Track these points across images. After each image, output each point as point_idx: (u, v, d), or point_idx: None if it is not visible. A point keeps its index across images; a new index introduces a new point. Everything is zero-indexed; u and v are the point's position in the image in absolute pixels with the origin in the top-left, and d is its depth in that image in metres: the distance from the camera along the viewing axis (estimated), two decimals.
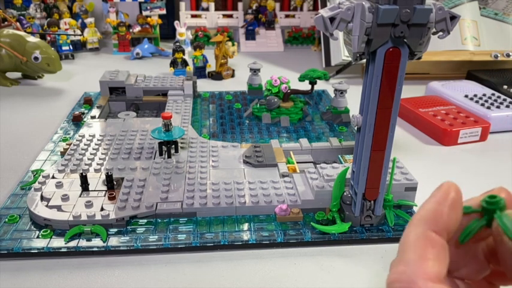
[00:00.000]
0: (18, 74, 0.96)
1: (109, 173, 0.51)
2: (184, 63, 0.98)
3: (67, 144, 0.61)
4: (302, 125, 0.72)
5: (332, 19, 0.37)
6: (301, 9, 1.31)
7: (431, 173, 0.60)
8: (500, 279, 0.25)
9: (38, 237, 0.44)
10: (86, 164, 0.55)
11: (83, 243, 0.43)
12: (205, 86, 0.93)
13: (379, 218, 0.46)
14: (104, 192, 0.50)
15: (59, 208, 0.47)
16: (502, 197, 0.21)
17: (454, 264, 0.23)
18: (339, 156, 0.59)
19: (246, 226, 0.46)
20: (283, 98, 0.73)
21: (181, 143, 0.61)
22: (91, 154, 0.58)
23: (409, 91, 0.86)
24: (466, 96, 0.79)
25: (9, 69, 0.90)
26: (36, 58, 0.86)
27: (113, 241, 0.44)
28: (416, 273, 0.20)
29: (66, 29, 1.16)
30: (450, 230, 0.22)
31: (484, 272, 0.24)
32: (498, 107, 0.74)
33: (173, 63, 0.97)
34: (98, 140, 0.62)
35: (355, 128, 0.43)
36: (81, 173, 0.50)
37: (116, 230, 0.45)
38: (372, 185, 0.43)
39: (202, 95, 0.85)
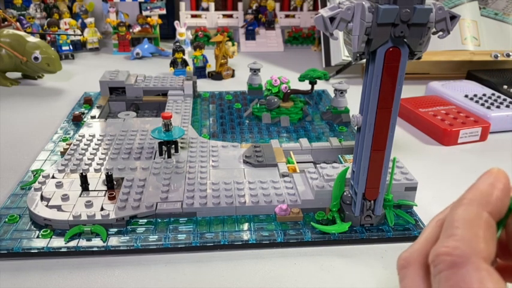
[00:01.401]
0: (18, 74, 0.96)
1: (109, 173, 0.51)
2: (184, 63, 0.98)
3: (67, 144, 0.61)
4: (302, 125, 0.72)
5: (332, 19, 0.37)
6: (301, 9, 1.32)
7: (431, 173, 0.60)
8: (509, 276, 0.25)
9: (38, 237, 0.44)
10: (86, 164, 0.56)
11: (83, 243, 0.43)
12: (205, 86, 0.93)
13: (379, 218, 0.46)
14: (104, 192, 0.50)
15: (59, 208, 0.47)
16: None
17: None
18: (339, 156, 0.59)
19: (246, 226, 0.46)
20: (283, 98, 0.74)
21: (181, 143, 0.61)
22: (91, 154, 0.58)
23: (409, 91, 0.86)
24: (466, 96, 0.79)
25: (9, 69, 0.90)
26: (36, 58, 0.86)
27: (113, 241, 0.44)
28: (471, 250, 0.20)
29: (66, 29, 1.16)
30: (500, 214, 0.22)
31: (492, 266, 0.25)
32: (498, 107, 0.74)
33: (173, 63, 0.97)
34: (98, 140, 0.62)
35: (355, 128, 0.43)
36: (81, 173, 0.50)
37: (116, 230, 0.45)
38: (372, 185, 0.43)
39: (202, 95, 0.85)
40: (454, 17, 0.38)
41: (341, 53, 0.96)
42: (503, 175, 0.23)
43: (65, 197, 0.48)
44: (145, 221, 0.47)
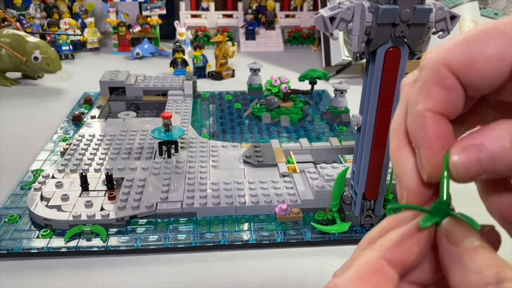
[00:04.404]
0: (18, 74, 0.96)
1: (109, 173, 0.51)
2: (184, 63, 0.98)
3: (67, 144, 0.61)
4: (302, 125, 0.72)
5: (332, 19, 0.37)
6: (301, 9, 1.31)
7: None
8: None
9: (38, 237, 0.44)
10: (85, 164, 0.55)
11: (83, 243, 0.43)
12: (205, 86, 0.93)
13: (379, 218, 0.46)
14: (103, 192, 0.50)
15: (58, 208, 0.47)
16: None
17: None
18: (339, 156, 0.59)
19: (246, 226, 0.46)
20: (283, 98, 0.74)
21: (181, 143, 0.61)
22: (91, 154, 0.58)
23: None
24: None
25: (9, 69, 0.90)
26: (36, 58, 0.86)
27: (113, 241, 0.44)
28: None
29: (66, 29, 1.16)
30: (409, 264, 0.20)
31: (440, 273, 0.23)
32: None
33: (173, 63, 0.97)
34: (98, 140, 0.62)
35: (355, 128, 0.43)
36: (81, 173, 0.50)
37: (116, 230, 0.45)
38: (372, 185, 0.43)
39: (202, 95, 0.85)
40: (454, 17, 0.38)
41: (341, 53, 0.96)
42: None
43: (65, 197, 0.48)
44: (145, 221, 0.47)
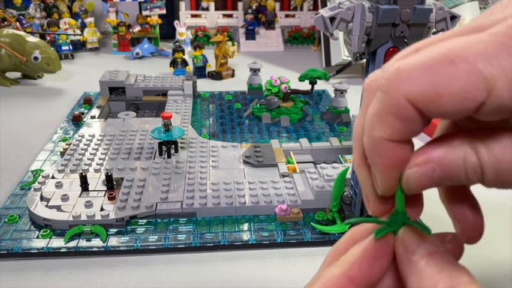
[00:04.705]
0: (18, 74, 0.96)
1: (109, 173, 0.51)
2: (184, 63, 0.98)
3: (67, 144, 0.61)
4: (302, 125, 0.72)
5: (332, 19, 0.37)
6: (301, 9, 1.31)
7: None
8: None
9: (37, 237, 0.44)
10: (85, 164, 0.55)
11: (83, 243, 0.43)
12: (205, 86, 0.93)
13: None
14: (103, 192, 0.50)
15: (58, 208, 0.47)
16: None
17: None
18: (339, 156, 0.59)
19: (246, 226, 0.46)
20: (283, 98, 0.73)
21: (181, 143, 0.61)
22: (91, 154, 0.58)
23: None
24: None
25: (9, 69, 0.90)
26: (36, 58, 0.86)
27: (113, 241, 0.44)
28: None
29: (66, 29, 1.16)
30: (371, 280, 0.20)
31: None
32: None
33: (173, 63, 0.97)
34: (98, 140, 0.62)
35: None
36: (81, 173, 0.50)
37: (116, 230, 0.45)
38: None
39: (202, 95, 0.85)
40: (454, 17, 0.38)
41: (341, 53, 0.96)
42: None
43: (65, 197, 0.48)
44: (145, 221, 0.47)
